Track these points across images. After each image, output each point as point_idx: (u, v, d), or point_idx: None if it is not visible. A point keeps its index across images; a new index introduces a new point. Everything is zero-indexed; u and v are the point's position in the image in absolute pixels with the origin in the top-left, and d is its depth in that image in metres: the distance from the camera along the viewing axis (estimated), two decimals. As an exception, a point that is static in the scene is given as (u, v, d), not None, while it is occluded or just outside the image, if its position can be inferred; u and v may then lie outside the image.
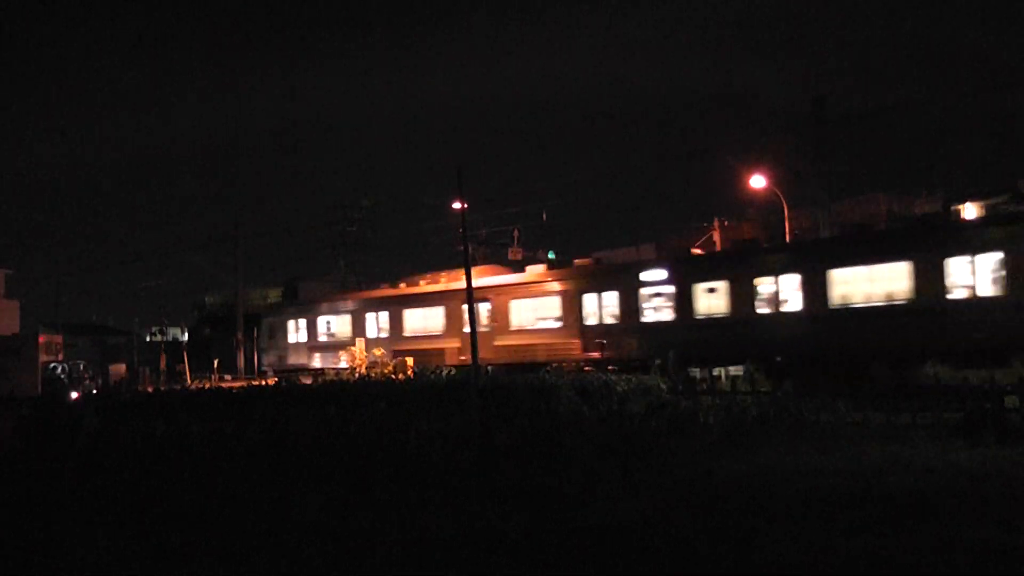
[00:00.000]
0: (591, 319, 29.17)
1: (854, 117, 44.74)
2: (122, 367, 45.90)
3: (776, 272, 24.90)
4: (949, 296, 21.68)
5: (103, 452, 14.73)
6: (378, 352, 32.63)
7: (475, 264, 27.79)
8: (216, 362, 45.71)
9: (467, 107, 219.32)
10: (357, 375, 29.72)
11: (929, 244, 22.39)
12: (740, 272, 25.69)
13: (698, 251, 35.86)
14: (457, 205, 34.10)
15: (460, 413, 16.88)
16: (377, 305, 37.52)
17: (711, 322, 26.05)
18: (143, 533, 9.21)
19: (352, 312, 38.69)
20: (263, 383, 27.49)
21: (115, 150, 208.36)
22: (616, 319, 28.56)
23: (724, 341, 25.44)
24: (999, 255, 21.04)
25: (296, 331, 41.94)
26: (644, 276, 28.02)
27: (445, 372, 27.48)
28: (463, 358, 30.24)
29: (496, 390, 19.74)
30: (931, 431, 14.57)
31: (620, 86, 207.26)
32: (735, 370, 24.98)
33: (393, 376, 27.73)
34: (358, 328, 37.65)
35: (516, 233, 48.17)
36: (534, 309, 31.35)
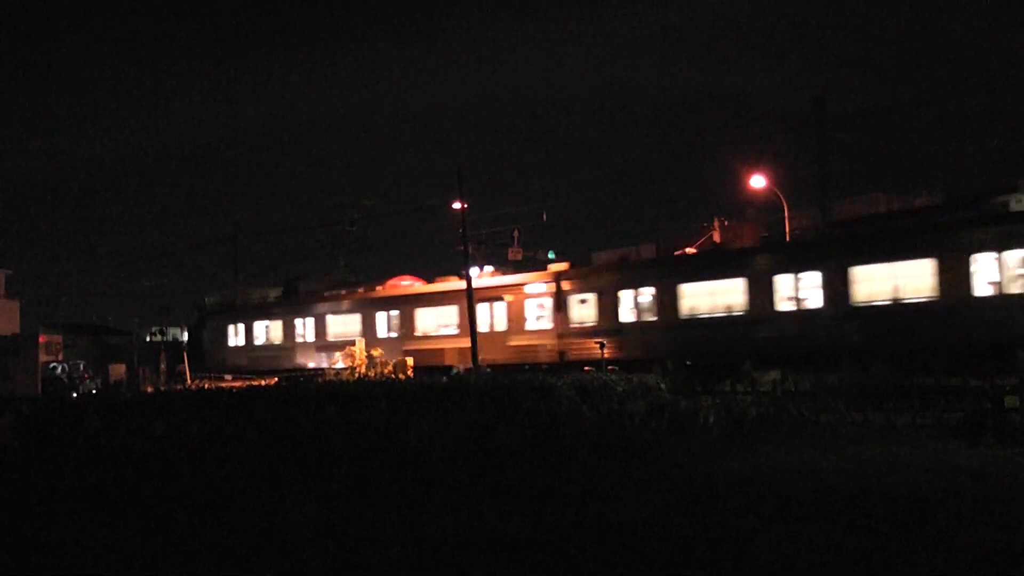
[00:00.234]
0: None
1: (854, 117, 44.77)
2: (122, 367, 45.69)
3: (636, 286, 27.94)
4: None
5: (103, 452, 14.74)
6: (376, 352, 32.62)
7: (475, 264, 27.86)
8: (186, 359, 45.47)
9: (467, 107, 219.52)
10: (357, 375, 29.71)
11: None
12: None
13: (692, 250, 35.75)
14: (457, 205, 34.41)
15: (460, 413, 16.87)
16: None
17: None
18: (143, 533, 9.22)
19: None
20: (263, 383, 27.48)
21: (115, 150, 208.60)
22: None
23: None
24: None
25: (236, 335, 44.24)
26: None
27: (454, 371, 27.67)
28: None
29: (496, 390, 19.71)
30: (931, 431, 14.59)
31: (620, 86, 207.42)
32: None
33: (393, 376, 27.74)
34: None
35: (516, 233, 48.12)
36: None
